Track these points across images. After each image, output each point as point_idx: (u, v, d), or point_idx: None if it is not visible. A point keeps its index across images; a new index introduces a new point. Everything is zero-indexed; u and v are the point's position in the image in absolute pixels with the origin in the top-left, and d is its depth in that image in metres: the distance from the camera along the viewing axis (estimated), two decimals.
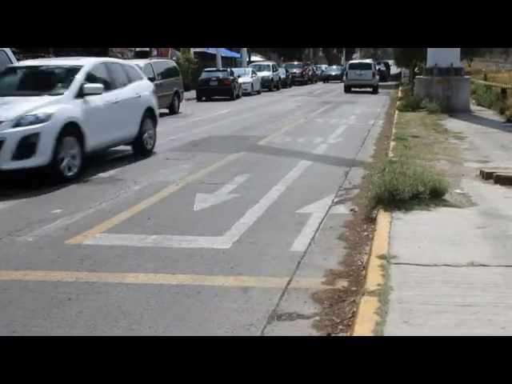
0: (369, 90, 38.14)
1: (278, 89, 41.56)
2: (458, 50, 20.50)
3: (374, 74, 38.39)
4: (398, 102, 24.42)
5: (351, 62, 44.40)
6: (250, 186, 9.10)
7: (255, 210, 7.62)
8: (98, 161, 11.26)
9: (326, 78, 59.63)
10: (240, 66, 45.91)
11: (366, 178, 9.54)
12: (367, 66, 39.07)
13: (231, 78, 31.72)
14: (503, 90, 20.59)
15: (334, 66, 68.10)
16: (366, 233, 6.59)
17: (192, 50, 41.23)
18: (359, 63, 41.37)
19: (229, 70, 33.97)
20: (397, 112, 20.14)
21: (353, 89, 38.31)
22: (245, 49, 49.13)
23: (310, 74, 56.04)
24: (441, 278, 4.76)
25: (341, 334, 4.19)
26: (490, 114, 18.82)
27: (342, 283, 5.18)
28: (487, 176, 8.45)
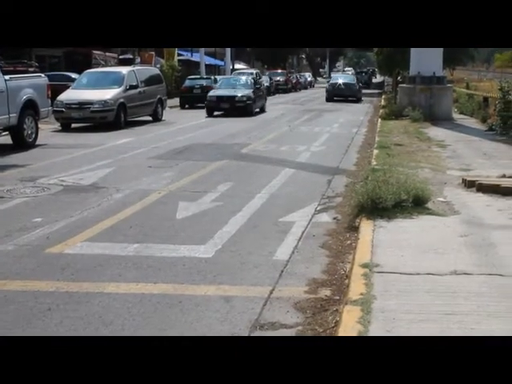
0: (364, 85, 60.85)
1: None
2: (440, 59, 20.61)
3: (369, 77, 70.94)
4: (381, 111, 24.55)
5: (358, 70, 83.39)
6: (233, 195, 9.07)
7: (238, 219, 7.59)
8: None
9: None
10: (224, 74, 45.90)
11: (348, 187, 9.55)
12: (365, 72, 74.29)
13: (215, 85, 31.67)
14: (485, 99, 20.75)
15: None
16: (348, 241, 6.58)
17: (176, 57, 41.16)
18: (360, 71, 77.73)
19: (212, 77, 33.93)
20: (380, 120, 20.24)
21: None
22: (228, 56, 49.14)
23: (294, 82, 55.90)
24: (424, 286, 4.76)
25: None
26: (473, 123, 18.96)
27: (325, 292, 5.17)
28: (469, 184, 8.48)
